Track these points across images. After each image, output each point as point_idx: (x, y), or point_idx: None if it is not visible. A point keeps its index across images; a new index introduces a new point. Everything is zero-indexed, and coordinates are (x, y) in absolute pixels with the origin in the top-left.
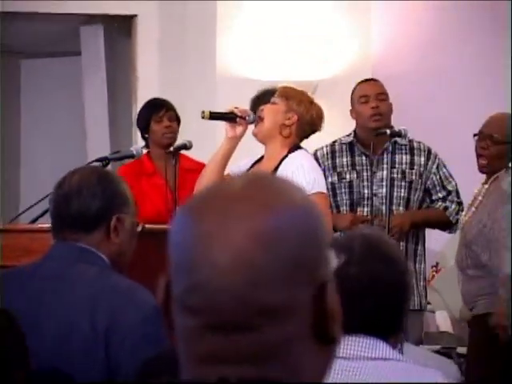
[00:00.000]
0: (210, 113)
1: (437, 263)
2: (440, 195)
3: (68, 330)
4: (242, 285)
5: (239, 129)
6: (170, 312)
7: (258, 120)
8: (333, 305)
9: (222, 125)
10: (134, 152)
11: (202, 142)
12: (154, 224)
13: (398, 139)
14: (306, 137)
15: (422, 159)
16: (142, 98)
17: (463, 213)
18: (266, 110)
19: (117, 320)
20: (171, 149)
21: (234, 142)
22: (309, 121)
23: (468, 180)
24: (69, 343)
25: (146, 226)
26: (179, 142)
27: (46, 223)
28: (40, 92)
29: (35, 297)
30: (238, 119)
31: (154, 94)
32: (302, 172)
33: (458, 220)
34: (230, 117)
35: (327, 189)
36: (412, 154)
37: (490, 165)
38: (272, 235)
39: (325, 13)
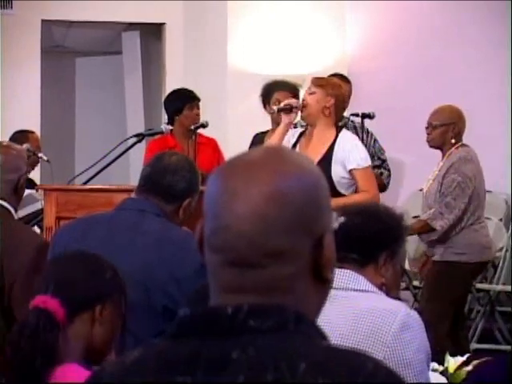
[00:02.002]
0: (278, 109)
1: None
2: (377, 163)
3: (137, 269)
4: (255, 231)
5: (292, 116)
6: (203, 249)
7: (303, 107)
8: (330, 252)
9: (228, 108)
10: (164, 129)
11: (215, 121)
12: None
13: (345, 121)
14: (341, 113)
15: (365, 135)
16: (170, 87)
17: (425, 183)
18: (309, 99)
19: (174, 269)
20: (192, 127)
21: (289, 126)
22: (342, 100)
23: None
24: (139, 278)
25: None
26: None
27: (95, 185)
28: (90, 82)
29: (114, 237)
30: (293, 109)
31: (179, 85)
32: (357, 151)
33: (388, 183)
34: (288, 108)
35: None
36: (356, 132)
37: (434, 145)
38: (281, 195)
39: (315, 19)
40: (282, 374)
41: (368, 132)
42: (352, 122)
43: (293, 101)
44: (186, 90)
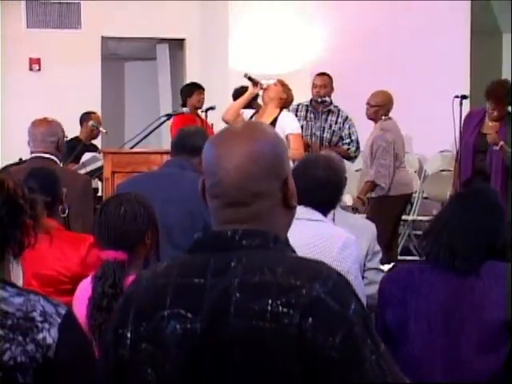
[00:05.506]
0: (248, 76)
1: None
2: (347, 141)
3: (179, 205)
4: (240, 181)
5: (256, 89)
6: (205, 196)
7: (264, 90)
8: (292, 188)
9: (229, 98)
10: (184, 111)
11: (219, 108)
12: None
13: (331, 107)
14: (286, 107)
15: (340, 120)
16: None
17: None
18: (272, 88)
19: (193, 198)
20: (204, 108)
21: (251, 96)
22: (290, 101)
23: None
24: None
25: None
26: (209, 105)
27: (138, 149)
28: (134, 79)
29: (163, 185)
30: (258, 84)
31: (195, 81)
32: (293, 122)
33: (355, 156)
34: (254, 81)
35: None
36: (337, 116)
37: (369, 118)
38: (256, 154)
39: (295, 28)
40: (266, 275)
41: (347, 118)
42: (336, 106)
43: (259, 80)
44: (195, 82)
